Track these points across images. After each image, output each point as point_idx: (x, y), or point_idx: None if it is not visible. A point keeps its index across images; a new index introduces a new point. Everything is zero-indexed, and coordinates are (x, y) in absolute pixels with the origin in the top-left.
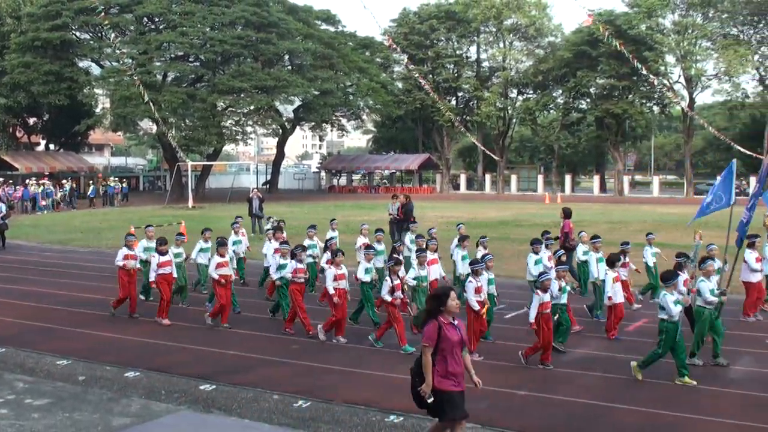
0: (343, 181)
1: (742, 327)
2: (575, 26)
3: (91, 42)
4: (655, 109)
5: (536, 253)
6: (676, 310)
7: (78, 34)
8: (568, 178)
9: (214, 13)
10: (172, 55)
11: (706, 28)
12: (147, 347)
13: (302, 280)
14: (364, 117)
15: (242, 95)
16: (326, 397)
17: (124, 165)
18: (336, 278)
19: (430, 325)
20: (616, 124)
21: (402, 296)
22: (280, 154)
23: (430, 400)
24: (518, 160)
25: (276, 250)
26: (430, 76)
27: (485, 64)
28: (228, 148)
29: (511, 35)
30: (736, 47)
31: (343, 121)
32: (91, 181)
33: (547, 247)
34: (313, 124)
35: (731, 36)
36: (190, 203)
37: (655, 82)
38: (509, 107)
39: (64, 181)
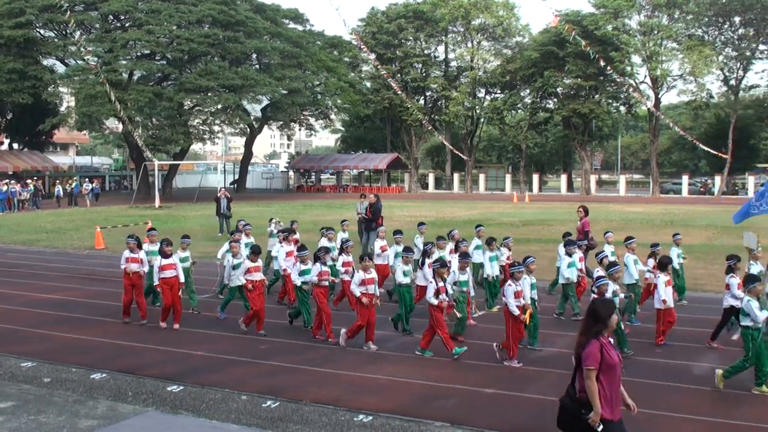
0: (311, 180)
1: (706, 325)
2: (542, 27)
3: (56, 40)
4: (622, 109)
5: (570, 255)
6: (762, 316)
7: (42, 31)
8: (535, 177)
9: (180, 12)
10: (138, 54)
11: (672, 29)
12: (114, 348)
13: (327, 283)
14: (333, 116)
15: (209, 94)
16: (295, 397)
17: (89, 164)
18: (364, 282)
19: (592, 345)
20: (583, 123)
21: (447, 299)
22: (248, 154)
23: (599, 429)
24: (486, 160)
25: (295, 257)
26: (399, 75)
27: (453, 63)
28: (195, 147)
29: (478, 35)
30: (701, 48)
31: (312, 120)
32: (57, 181)
33: (579, 247)
34: (281, 123)
35: (696, 37)
36: (157, 203)
37: (622, 83)
38: (477, 107)
39: (29, 181)
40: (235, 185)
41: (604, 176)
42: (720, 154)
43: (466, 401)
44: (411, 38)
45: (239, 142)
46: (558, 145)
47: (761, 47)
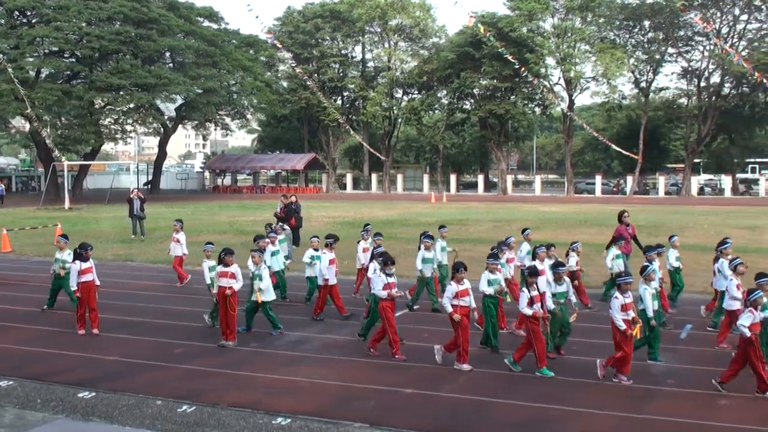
0: (227, 181)
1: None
2: (459, 28)
3: None
4: (537, 110)
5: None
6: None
7: None
8: (453, 177)
9: (90, 8)
10: (46, 51)
11: (585, 31)
12: (21, 355)
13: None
14: (249, 116)
15: (121, 93)
16: (211, 401)
17: None
18: (458, 295)
19: None
20: (499, 124)
21: (542, 309)
22: (162, 154)
23: None
24: (404, 160)
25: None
26: (316, 75)
27: (370, 64)
28: (107, 147)
29: (395, 36)
30: (613, 51)
31: (227, 120)
32: None
33: (573, 250)
34: (196, 122)
35: (608, 40)
36: (67, 204)
37: (537, 84)
38: (395, 107)
39: None
40: (149, 186)
41: (520, 176)
42: (631, 155)
43: (385, 402)
44: (328, 38)
45: (153, 142)
46: (475, 145)
47: (670, 50)
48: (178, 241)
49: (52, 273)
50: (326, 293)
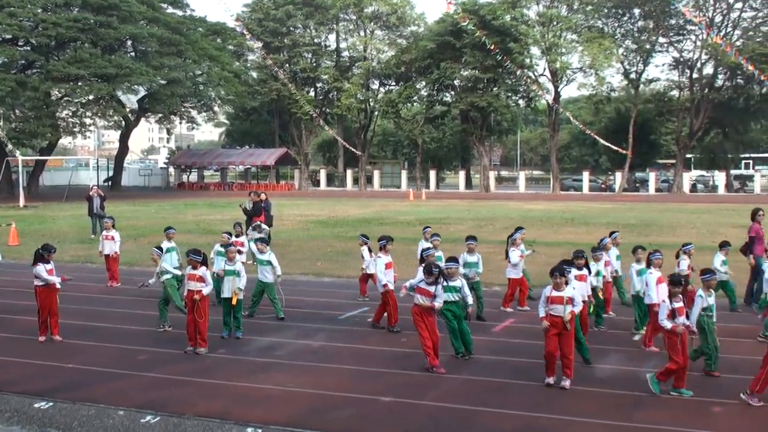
0: (193, 177)
1: (609, 325)
2: (439, 16)
3: None
4: (521, 102)
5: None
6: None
7: None
8: (432, 173)
9: None
10: None
11: (571, 20)
12: None
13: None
14: (216, 108)
15: (80, 83)
16: (177, 411)
17: None
18: (552, 300)
19: None
20: (482, 117)
21: (687, 322)
22: (124, 149)
23: None
24: (381, 155)
25: (443, 275)
26: (287, 65)
27: (345, 53)
28: (65, 141)
29: (372, 23)
30: (601, 40)
31: (193, 112)
32: None
33: (685, 253)
34: (160, 115)
35: (596, 29)
36: (22, 202)
37: (521, 75)
38: (371, 99)
39: None
40: (110, 183)
41: (504, 173)
42: (620, 150)
43: (363, 411)
44: (300, 26)
45: (114, 136)
46: (455, 139)
47: (661, 40)
48: (112, 238)
49: (145, 286)
50: (387, 299)
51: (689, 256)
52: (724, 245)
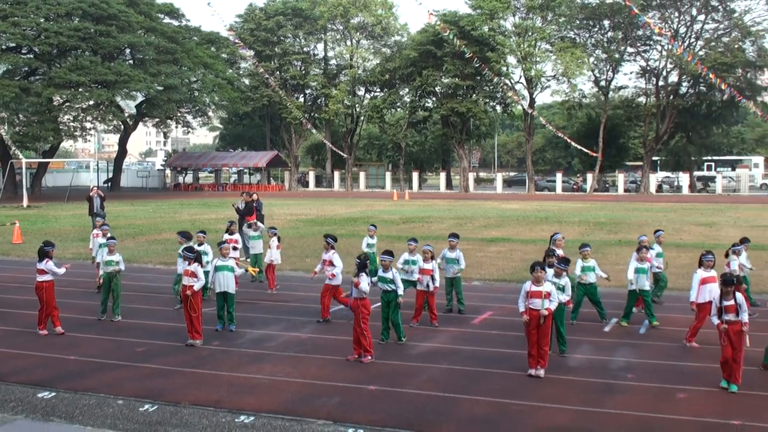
0: (189, 178)
1: (582, 317)
2: (421, 26)
3: None
4: (498, 108)
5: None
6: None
7: None
8: (415, 174)
9: (48, 3)
10: (3, 47)
11: (545, 31)
12: None
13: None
14: (210, 113)
15: (80, 89)
16: (173, 400)
17: None
18: (530, 295)
19: None
20: (461, 122)
21: (742, 319)
22: (123, 151)
23: None
24: (366, 158)
25: None
26: (278, 72)
27: (333, 61)
28: (66, 144)
29: (358, 33)
30: (573, 50)
31: (189, 117)
32: None
33: (734, 253)
34: (157, 120)
35: (568, 39)
36: (25, 202)
37: (498, 82)
38: (357, 105)
39: None
40: (109, 184)
41: (482, 174)
42: (591, 153)
43: (349, 398)
44: (290, 35)
45: (113, 139)
46: (437, 143)
47: (629, 50)
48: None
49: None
50: (423, 298)
51: (738, 255)
52: (744, 241)
